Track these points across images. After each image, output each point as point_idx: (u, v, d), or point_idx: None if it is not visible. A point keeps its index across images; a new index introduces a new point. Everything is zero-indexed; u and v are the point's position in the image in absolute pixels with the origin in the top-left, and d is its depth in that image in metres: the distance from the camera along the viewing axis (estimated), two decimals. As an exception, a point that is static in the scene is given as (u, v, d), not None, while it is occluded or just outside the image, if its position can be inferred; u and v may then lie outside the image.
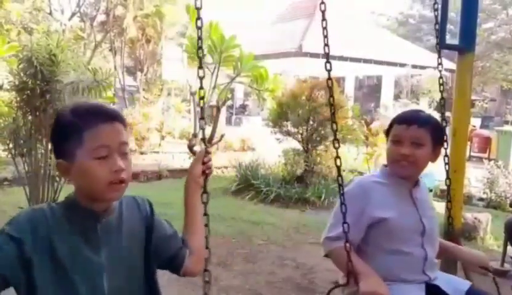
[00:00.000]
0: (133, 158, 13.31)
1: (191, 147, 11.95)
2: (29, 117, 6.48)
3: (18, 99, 6.48)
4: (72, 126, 1.73)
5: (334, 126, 2.62)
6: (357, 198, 2.55)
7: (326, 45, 2.51)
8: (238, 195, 9.41)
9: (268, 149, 11.71)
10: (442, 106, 3.35)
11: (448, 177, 3.23)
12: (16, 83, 6.39)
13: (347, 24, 23.81)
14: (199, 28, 2.14)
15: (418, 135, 2.58)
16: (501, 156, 13.68)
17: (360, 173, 11.03)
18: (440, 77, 3.36)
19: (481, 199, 10.09)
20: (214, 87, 11.72)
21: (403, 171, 2.63)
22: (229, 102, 19.97)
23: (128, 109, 16.65)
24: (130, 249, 1.94)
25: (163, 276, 4.65)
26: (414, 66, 23.32)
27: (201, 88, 2.17)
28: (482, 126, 25.62)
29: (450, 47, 3.84)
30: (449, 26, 3.65)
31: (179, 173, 11.60)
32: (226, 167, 12.26)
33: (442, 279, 2.68)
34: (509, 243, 5.83)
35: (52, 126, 1.84)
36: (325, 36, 2.52)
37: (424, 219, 2.63)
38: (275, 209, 8.60)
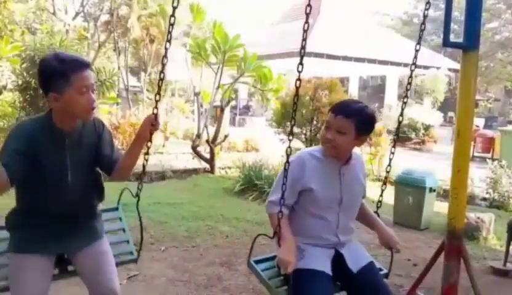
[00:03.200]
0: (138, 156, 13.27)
1: (194, 148, 11.96)
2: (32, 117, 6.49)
3: (21, 99, 6.51)
4: (62, 70, 2.62)
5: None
6: (294, 170, 3.04)
7: (303, 48, 2.97)
8: (242, 196, 9.38)
9: (272, 149, 11.71)
10: (403, 104, 3.39)
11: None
12: (20, 83, 6.41)
13: (351, 24, 23.81)
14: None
15: (341, 124, 3.00)
16: (505, 156, 13.64)
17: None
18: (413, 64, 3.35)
19: (484, 199, 10.08)
20: (218, 87, 11.73)
21: (327, 152, 3.12)
22: (232, 103, 19.98)
23: (132, 110, 16.65)
24: (85, 155, 2.91)
25: (161, 278, 4.69)
26: (418, 66, 23.26)
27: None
28: (486, 127, 25.58)
29: (454, 45, 3.83)
30: (453, 26, 3.63)
31: (183, 173, 11.61)
32: (229, 167, 12.26)
33: (350, 248, 3.23)
34: (512, 243, 5.82)
35: (40, 71, 2.69)
36: (304, 39, 3.02)
37: (344, 192, 3.15)
38: (278, 209, 8.59)
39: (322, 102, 9.60)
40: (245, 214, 7.90)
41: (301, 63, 2.96)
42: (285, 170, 2.97)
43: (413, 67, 3.70)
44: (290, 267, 2.86)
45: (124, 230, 3.52)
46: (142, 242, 3.29)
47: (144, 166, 3.04)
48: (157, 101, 2.89)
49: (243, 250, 6.08)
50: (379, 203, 3.59)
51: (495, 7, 39.70)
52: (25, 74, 6.31)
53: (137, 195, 3.08)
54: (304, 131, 10.07)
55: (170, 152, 13.59)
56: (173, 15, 2.90)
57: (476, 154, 17.17)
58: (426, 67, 23.46)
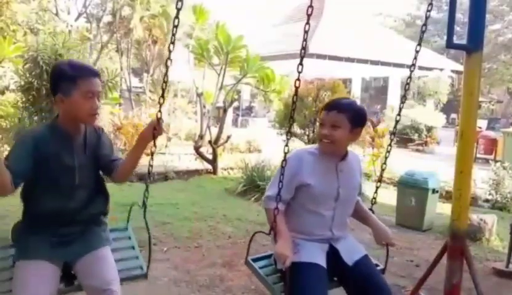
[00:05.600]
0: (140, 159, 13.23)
1: (197, 149, 11.96)
2: (35, 118, 6.49)
3: (24, 99, 6.50)
4: (71, 74, 2.81)
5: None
6: (291, 166, 3.12)
7: (303, 48, 3.06)
8: (244, 196, 9.39)
9: (274, 150, 11.70)
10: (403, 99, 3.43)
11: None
12: (22, 83, 6.40)
13: (354, 26, 23.79)
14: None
15: (335, 119, 3.14)
16: (507, 157, 13.62)
17: (366, 174, 11.01)
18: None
19: (487, 200, 10.06)
20: (221, 88, 11.72)
21: (324, 148, 3.21)
22: (235, 104, 19.98)
23: (135, 111, 16.63)
24: (89, 157, 3.04)
25: (164, 278, 4.72)
26: (420, 68, 23.28)
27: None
28: (489, 128, 25.56)
29: (458, 47, 3.82)
30: (456, 28, 3.62)
31: (185, 174, 11.62)
32: (232, 168, 12.27)
33: (344, 243, 3.31)
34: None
35: (51, 73, 2.94)
36: (305, 40, 3.12)
37: (341, 188, 3.23)
38: (281, 210, 8.58)
39: (324, 103, 9.58)
40: (248, 215, 7.90)
41: (301, 63, 3.08)
42: (282, 168, 3.05)
43: (412, 68, 3.76)
44: (288, 261, 2.92)
45: (133, 247, 3.53)
46: (150, 258, 3.31)
47: (149, 173, 3.14)
48: (160, 104, 2.99)
49: (245, 251, 6.08)
50: (373, 200, 3.69)
51: (498, 8, 39.70)
52: (27, 75, 6.29)
53: (144, 205, 3.23)
54: (306, 133, 10.05)
55: (172, 153, 13.58)
56: (177, 17, 2.93)
57: (478, 156, 17.13)
58: (428, 69, 23.43)
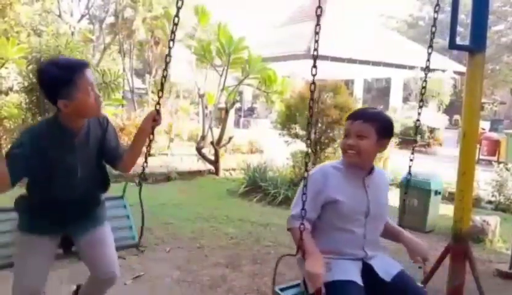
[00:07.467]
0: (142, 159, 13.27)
1: (199, 149, 11.97)
2: (39, 118, 6.51)
3: (27, 100, 6.52)
4: (67, 77, 2.68)
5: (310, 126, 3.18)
6: (316, 182, 2.97)
7: (315, 49, 2.91)
8: (246, 197, 9.40)
9: (276, 151, 11.70)
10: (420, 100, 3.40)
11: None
12: (25, 84, 6.42)
13: (356, 27, 23.78)
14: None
15: (361, 128, 2.97)
16: (510, 159, 13.60)
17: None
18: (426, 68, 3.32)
19: (490, 202, 10.03)
20: (222, 89, 11.73)
21: (349, 159, 3.03)
22: (237, 105, 19.99)
23: (137, 111, 16.65)
24: (93, 151, 3.02)
25: (166, 278, 4.74)
26: (423, 69, 23.26)
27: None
28: (492, 129, 25.48)
29: (461, 48, 3.82)
30: (459, 29, 3.62)
31: (188, 174, 11.62)
32: (234, 169, 12.27)
33: (378, 259, 3.05)
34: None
35: (43, 80, 2.75)
36: (316, 41, 2.98)
37: (371, 204, 3.03)
38: (283, 211, 8.57)
39: (326, 104, 9.56)
40: (250, 216, 7.91)
41: (314, 66, 2.96)
42: (305, 183, 2.84)
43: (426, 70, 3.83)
44: (320, 280, 2.68)
45: (127, 216, 3.83)
46: (143, 228, 3.55)
47: (146, 158, 3.20)
48: (159, 97, 3.06)
49: (247, 251, 6.10)
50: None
51: (501, 9, 39.63)
52: (31, 76, 6.32)
53: (140, 184, 3.35)
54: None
55: (174, 154, 13.60)
56: (177, 15, 2.95)
57: (481, 157, 17.07)
58: (431, 70, 23.39)
